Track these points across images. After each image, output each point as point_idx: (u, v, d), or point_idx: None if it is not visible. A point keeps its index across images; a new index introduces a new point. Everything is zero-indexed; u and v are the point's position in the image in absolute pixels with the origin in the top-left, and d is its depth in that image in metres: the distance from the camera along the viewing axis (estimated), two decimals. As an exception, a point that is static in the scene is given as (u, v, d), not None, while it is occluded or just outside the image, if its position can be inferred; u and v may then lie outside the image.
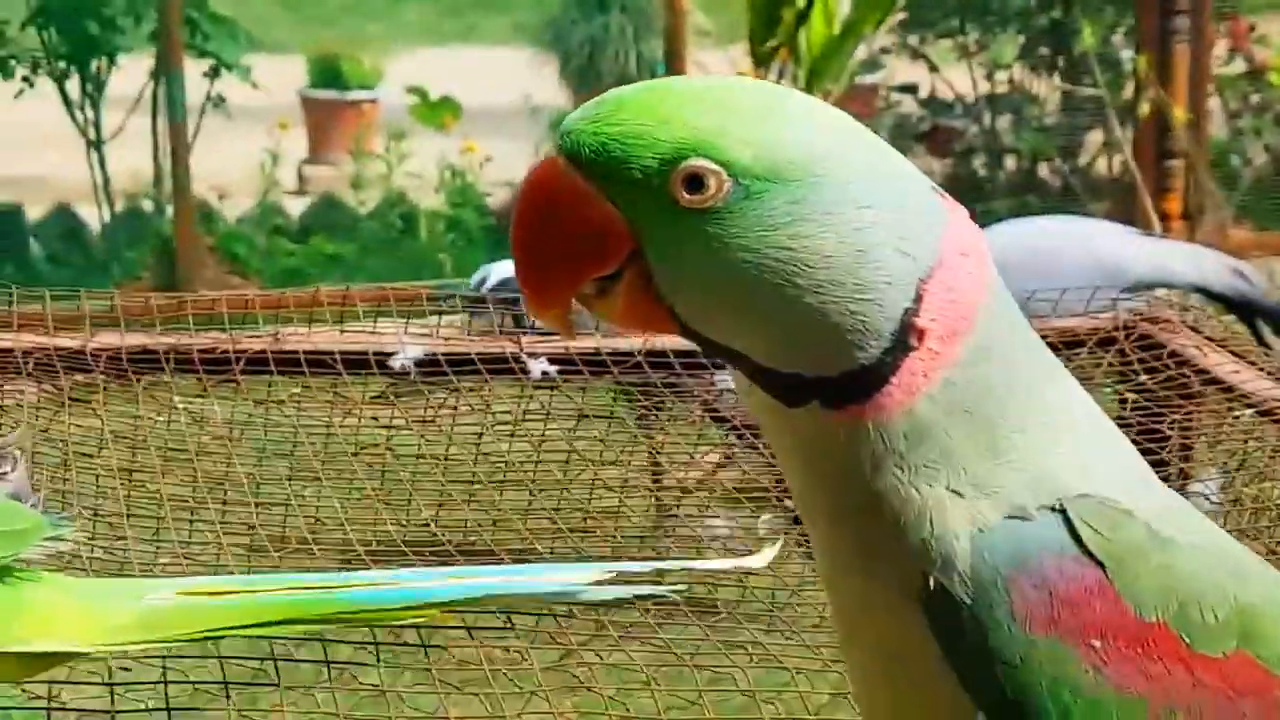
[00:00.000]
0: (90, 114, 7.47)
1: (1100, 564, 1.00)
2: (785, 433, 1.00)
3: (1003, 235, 4.83)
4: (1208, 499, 2.38)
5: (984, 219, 4.58)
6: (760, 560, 1.59)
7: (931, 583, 0.99)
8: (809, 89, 6.12)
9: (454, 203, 7.82)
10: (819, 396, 0.93)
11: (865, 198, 0.92)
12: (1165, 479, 2.22)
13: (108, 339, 2.44)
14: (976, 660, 1.01)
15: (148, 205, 7.55)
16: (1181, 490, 2.36)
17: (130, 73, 7.49)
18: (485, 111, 8.55)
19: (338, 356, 2.45)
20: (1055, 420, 1.00)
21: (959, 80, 7.83)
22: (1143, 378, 2.37)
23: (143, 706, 1.67)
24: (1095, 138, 7.62)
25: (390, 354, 2.43)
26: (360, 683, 1.77)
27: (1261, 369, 2.34)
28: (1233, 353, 2.39)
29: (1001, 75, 7.83)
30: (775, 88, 0.98)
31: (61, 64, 7.40)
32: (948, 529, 0.97)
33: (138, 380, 2.37)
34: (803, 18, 6.09)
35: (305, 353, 2.42)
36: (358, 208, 7.83)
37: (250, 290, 6.56)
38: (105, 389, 2.31)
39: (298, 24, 9.99)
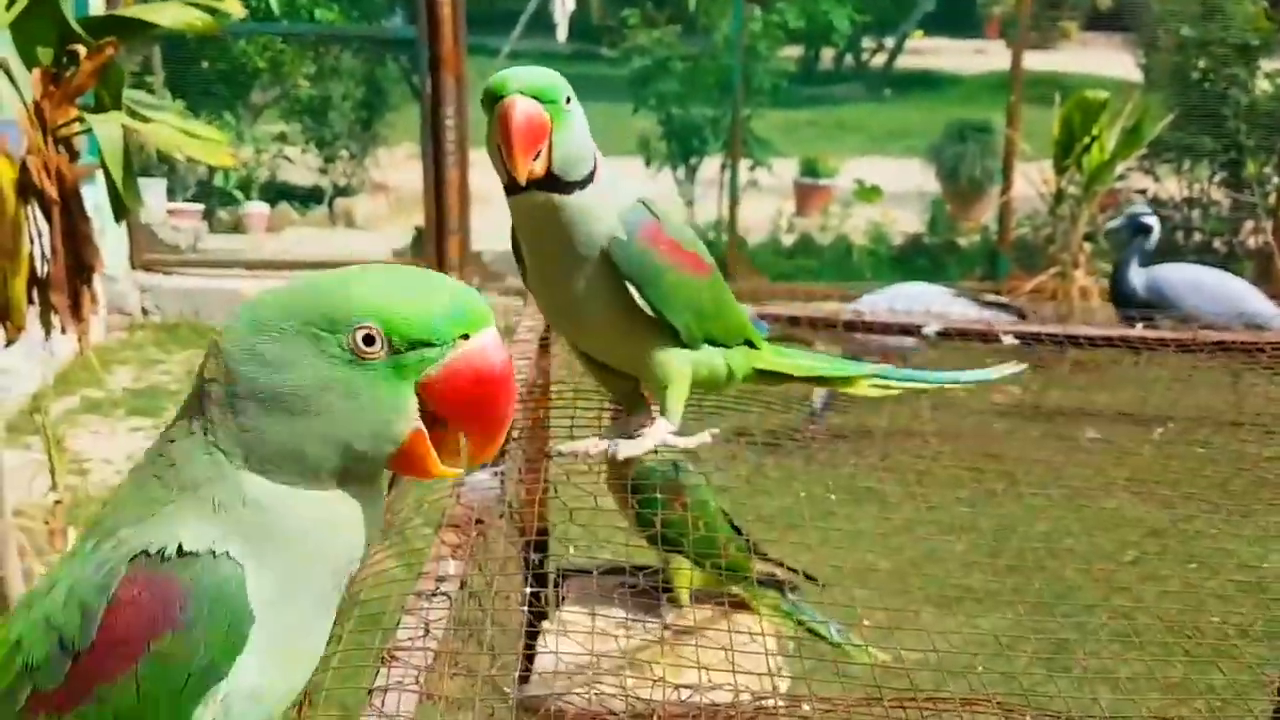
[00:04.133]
0: (690, 189, 8.98)
1: (658, 217, 1.49)
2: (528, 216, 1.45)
3: (1183, 270, 6.17)
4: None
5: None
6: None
7: (609, 243, 1.43)
8: (1087, 188, 7.19)
9: (873, 242, 8.85)
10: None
11: None
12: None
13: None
14: (627, 265, 1.44)
15: (710, 235, 8.33)
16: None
17: (709, 166, 8.91)
18: (895, 194, 9.55)
19: (892, 324, 2.47)
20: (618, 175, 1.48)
21: (1172, 187, 8.57)
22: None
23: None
24: (1249, 225, 8.35)
25: (921, 325, 2.35)
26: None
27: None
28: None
29: (1197, 187, 8.57)
30: None
31: (676, 159, 9.02)
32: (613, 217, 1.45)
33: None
34: (1086, 149, 7.11)
35: (845, 323, 2.39)
36: (823, 244, 8.92)
37: (762, 282, 7.94)
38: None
39: (794, 143, 10.69)
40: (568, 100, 1.40)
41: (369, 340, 0.87)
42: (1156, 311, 5.22)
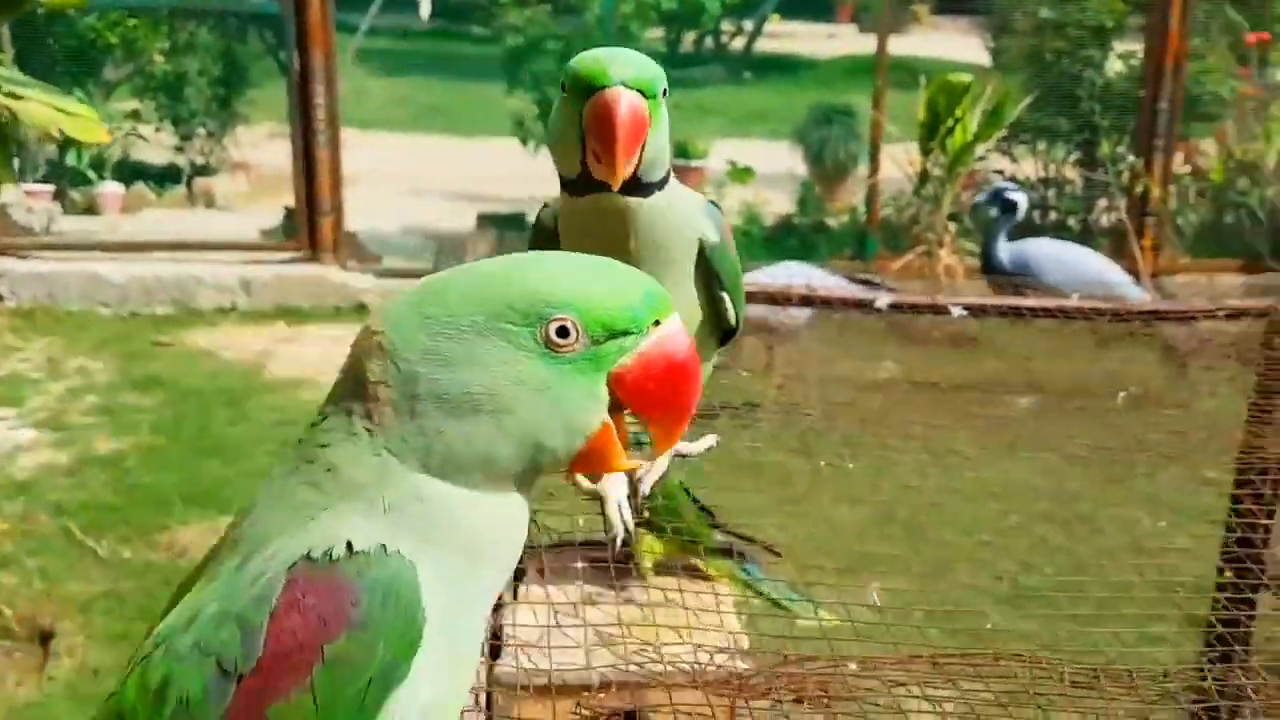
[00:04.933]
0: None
1: (722, 215, 1.43)
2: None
3: (1045, 245, 6.45)
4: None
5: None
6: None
7: (701, 243, 1.38)
8: (950, 170, 7.44)
9: (747, 223, 8.69)
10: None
11: None
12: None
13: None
14: (719, 265, 1.40)
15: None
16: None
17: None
18: (765, 175, 9.50)
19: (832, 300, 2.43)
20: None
21: (1029, 168, 8.69)
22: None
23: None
24: (1102, 204, 8.52)
25: (874, 299, 2.36)
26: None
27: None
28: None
29: (1053, 167, 8.70)
30: None
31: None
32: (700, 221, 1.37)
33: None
34: (950, 131, 7.32)
35: (799, 297, 2.36)
36: (696, 225, 9.11)
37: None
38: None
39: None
40: (664, 93, 1.26)
41: (563, 332, 0.85)
42: (1022, 283, 5.41)
